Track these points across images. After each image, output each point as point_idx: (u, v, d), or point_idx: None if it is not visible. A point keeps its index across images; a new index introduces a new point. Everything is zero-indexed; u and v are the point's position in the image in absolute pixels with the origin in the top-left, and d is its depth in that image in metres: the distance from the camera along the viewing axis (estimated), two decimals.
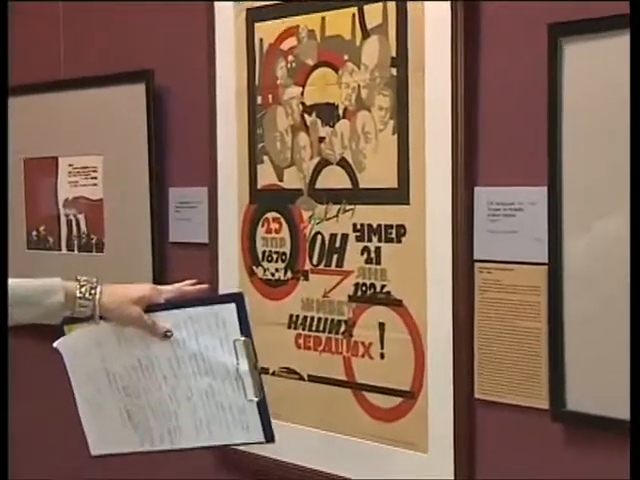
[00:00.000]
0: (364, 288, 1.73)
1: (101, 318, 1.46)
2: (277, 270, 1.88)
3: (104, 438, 1.54)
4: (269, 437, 1.47)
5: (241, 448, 1.83)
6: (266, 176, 1.89)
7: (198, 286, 1.54)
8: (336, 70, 1.74)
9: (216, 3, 1.95)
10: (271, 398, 1.87)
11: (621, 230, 1.35)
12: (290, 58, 1.83)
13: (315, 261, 1.81)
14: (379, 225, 1.70)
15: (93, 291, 1.44)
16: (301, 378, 1.84)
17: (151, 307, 1.47)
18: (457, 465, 1.60)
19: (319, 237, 1.80)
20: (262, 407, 1.46)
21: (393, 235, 1.68)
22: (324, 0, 1.75)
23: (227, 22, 1.93)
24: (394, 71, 1.65)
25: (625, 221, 1.31)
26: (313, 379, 1.83)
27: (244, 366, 1.45)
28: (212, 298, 1.50)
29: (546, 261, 1.48)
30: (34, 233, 2.47)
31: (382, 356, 1.71)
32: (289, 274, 1.86)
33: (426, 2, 1.58)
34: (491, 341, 1.57)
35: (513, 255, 1.54)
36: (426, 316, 1.63)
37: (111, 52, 2.26)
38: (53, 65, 2.38)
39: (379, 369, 1.71)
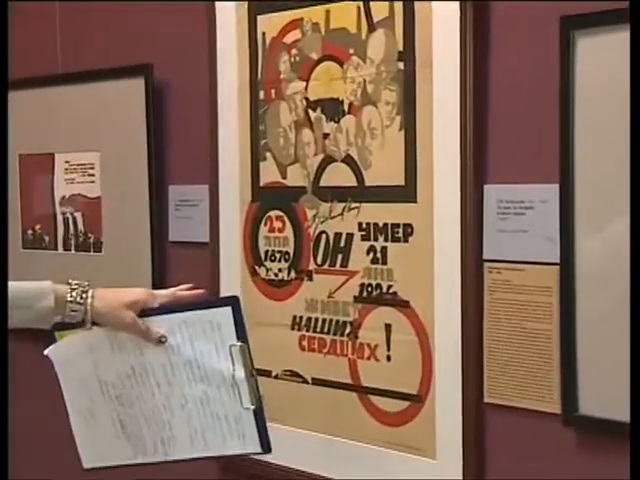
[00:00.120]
0: (370, 289, 1.73)
1: (93, 323, 1.46)
2: (280, 270, 1.88)
3: (96, 450, 1.53)
4: (265, 447, 1.46)
5: None
6: (269, 173, 1.89)
7: (194, 291, 1.53)
8: (341, 64, 1.74)
9: None
10: (274, 402, 1.88)
11: None
12: (293, 52, 1.83)
13: (319, 261, 1.81)
14: (385, 224, 1.70)
15: (84, 295, 1.44)
16: (305, 381, 1.85)
17: (145, 312, 1.47)
18: (465, 471, 1.60)
19: (323, 236, 1.80)
20: (259, 415, 1.45)
21: (400, 234, 1.68)
22: None
23: (229, 15, 1.93)
24: (401, 65, 1.65)
25: None
26: (317, 382, 1.83)
27: (240, 372, 1.44)
28: (207, 302, 1.49)
29: (558, 261, 1.48)
30: (29, 232, 2.47)
31: (388, 358, 1.71)
32: (293, 274, 1.86)
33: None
34: (501, 343, 1.57)
35: (523, 255, 1.54)
36: (434, 317, 1.63)
37: (109, 45, 2.26)
38: (50, 59, 2.38)
39: (385, 372, 1.71)
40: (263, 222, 1.91)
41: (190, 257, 2.09)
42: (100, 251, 2.29)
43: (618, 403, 1.41)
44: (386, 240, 1.70)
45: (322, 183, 1.80)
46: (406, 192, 1.66)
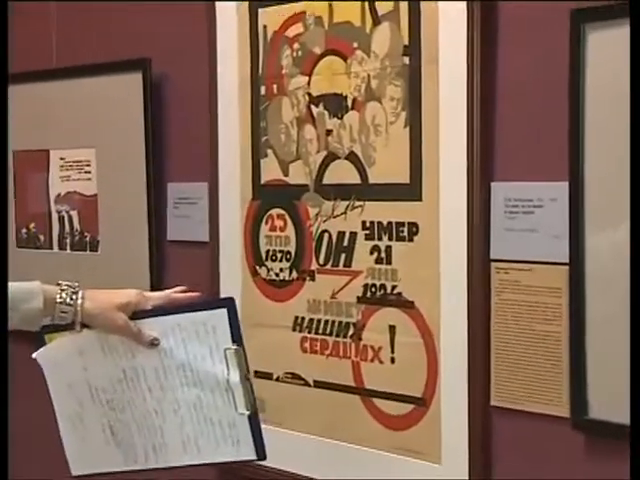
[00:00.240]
0: (374, 289, 1.73)
1: (84, 325, 1.45)
2: (282, 270, 1.88)
3: (86, 456, 1.52)
4: (261, 454, 1.46)
5: None
6: (270, 171, 1.89)
7: (189, 294, 1.53)
8: (345, 59, 1.75)
9: None
10: (275, 405, 1.89)
11: None
12: (296, 46, 1.83)
13: (322, 261, 1.81)
14: (390, 223, 1.71)
15: (74, 296, 1.43)
16: (307, 384, 1.85)
17: (137, 314, 1.46)
18: (472, 476, 1.60)
19: (326, 235, 1.80)
20: (253, 421, 1.44)
21: (405, 233, 1.68)
22: None
23: (229, 8, 1.93)
24: (406, 60, 1.65)
25: None
26: (319, 385, 1.83)
27: (235, 377, 1.43)
28: (201, 304, 1.48)
29: (567, 261, 1.48)
30: (24, 231, 2.47)
31: (393, 361, 1.71)
32: (294, 274, 1.86)
33: None
34: (508, 345, 1.57)
35: (532, 254, 1.54)
36: (439, 319, 1.63)
37: (106, 39, 2.26)
38: (45, 53, 2.38)
39: (389, 374, 1.72)
40: (264, 221, 1.91)
41: (189, 257, 2.09)
42: (96, 250, 2.29)
43: (628, 407, 1.41)
44: (390, 239, 1.71)
45: (325, 181, 1.80)
46: (411, 190, 1.66)
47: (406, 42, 1.65)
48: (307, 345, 1.84)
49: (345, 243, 1.77)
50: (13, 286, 1.43)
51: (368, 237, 1.74)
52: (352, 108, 1.74)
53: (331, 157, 1.79)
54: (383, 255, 1.72)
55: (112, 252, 2.25)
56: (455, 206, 1.59)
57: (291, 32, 1.83)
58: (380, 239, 1.72)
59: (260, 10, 1.89)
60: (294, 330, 1.86)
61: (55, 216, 2.39)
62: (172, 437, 1.47)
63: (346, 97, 1.75)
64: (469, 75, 1.56)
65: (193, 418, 1.46)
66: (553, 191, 1.51)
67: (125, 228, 2.21)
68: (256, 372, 1.90)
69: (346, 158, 1.76)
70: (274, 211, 1.89)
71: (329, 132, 1.78)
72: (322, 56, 1.79)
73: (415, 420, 1.68)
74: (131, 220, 2.18)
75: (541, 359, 1.53)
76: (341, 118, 1.76)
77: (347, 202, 1.76)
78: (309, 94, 1.81)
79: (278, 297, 1.89)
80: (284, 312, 1.87)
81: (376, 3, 1.69)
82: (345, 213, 1.77)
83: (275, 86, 1.87)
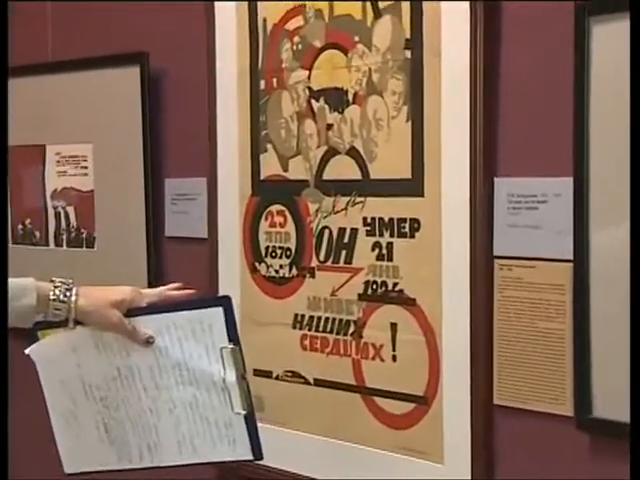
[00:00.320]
0: (375, 286, 1.73)
1: (78, 323, 1.45)
2: (281, 267, 1.88)
3: (79, 455, 1.52)
4: (257, 454, 1.46)
5: None
6: (270, 166, 1.89)
7: (184, 291, 1.53)
8: (345, 52, 1.75)
9: None
10: (274, 404, 1.89)
11: None
12: (296, 39, 1.83)
13: (322, 257, 1.81)
14: (391, 219, 1.71)
15: (68, 293, 1.43)
16: (307, 382, 1.85)
17: (132, 311, 1.46)
18: (474, 476, 1.60)
19: (327, 232, 1.81)
20: (250, 421, 1.45)
21: (406, 229, 1.69)
22: None
23: (228, 2, 1.93)
24: (408, 53, 1.65)
25: None
26: (320, 383, 1.83)
27: (231, 376, 1.43)
28: (197, 302, 1.48)
29: (571, 257, 1.48)
30: (19, 227, 2.48)
31: (394, 359, 1.71)
32: (294, 271, 1.86)
33: None
34: (511, 343, 1.58)
35: (535, 251, 1.54)
36: (441, 316, 1.63)
37: (103, 32, 2.27)
38: (40, 46, 2.38)
39: (391, 373, 1.72)
40: (263, 217, 1.91)
41: (187, 253, 2.10)
42: (93, 247, 2.29)
43: None
44: (392, 236, 1.71)
45: (325, 176, 1.80)
46: (413, 186, 1.66)
47: (408, 35, 1.65)
48: (307, 343, 1.84)
49: (346, 239, 1.77)
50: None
51: (369, 233, 1.74)
52: (353, 102, 1.74)
53: (332, 152, 1.79)
54: (384, 252, 1.72)
55: (109, 249, 2.25)
56: (457, 202, 1.59)
57: (291, 25, 1.83)
58: (381, 235, 1.72)
59: (260, 3, 1.89)
60: (294, 328, 1.86)
61: (51, 212, 2.39)
62: (167, 436, 1.47)
63: (347, 91, 1.75)
64: (472, 68, 1.56)
65: (189, 417, 1.46)
66: (557, 187, 1.51)
67: (122, 224, 2.21)
68: (255, 370, 1.90)
69: (347, 153, 1.76)
70: (274, 207, 1.90)
71: (329, 127, 1.78)
72: (322, 49, 1.79)
73: (417, 419, 1.68)
74: (128, 216, 2.18)
75: (544, 357, 1.54)
76: (342, 112, 1.76)
77: (348, 198, 1.76)
78: (309, 88, 1.81)
79: (278, 294, 1.89)
80: (284, 309, 1.88)
81: None
82: (346, 209, 1.77)
83: (275, 80, 1.87)
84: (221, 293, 1.92)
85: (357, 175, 1.75)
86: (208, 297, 1.50)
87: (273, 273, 1.90)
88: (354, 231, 1.76)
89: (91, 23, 2.30)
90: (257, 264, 1.93)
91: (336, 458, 1.80)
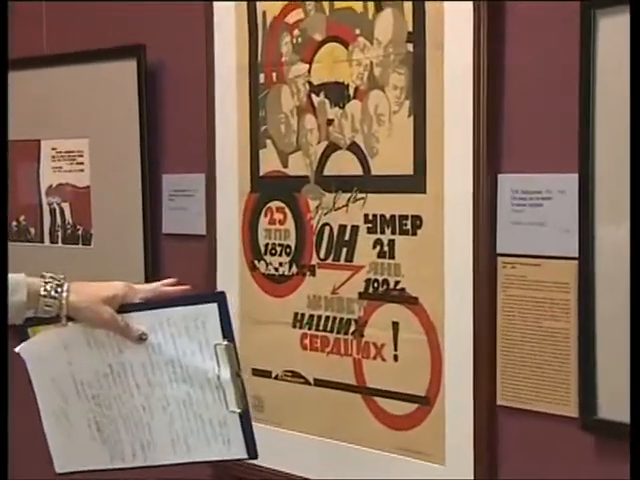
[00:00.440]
0: (376, 284, 1.74)
1: (69, 319, 1.46)
2: (281, 264, 1.89)
3: (70, 453, 1.53)
4: (252, 453, 1.46)
5: None
6: (269, 162, 1.90)
7: (179, 287, 1.53)
8: (346, 46, 1.75)
9: None
10: (274, 404, 1.89)
11: None
12: (296, 32, 1.83)
13: (323, 255, 1.82)
14: (393, 216, 1.71)
15: (59, 289, 1.43)
16: (307, 382, 1.85)
17: (124, 307, 1.46)
18: (477, 478, 1.61)
19: (327, 229, 1.81)
20: (245, 419, 1.45)
21: (408, 227, 1.69)
22: None
23: None
24: (410, 47, 1.65)
25: None
26: (320, 383, 1.83)
27: (226, 373, 1.43)
28: (191, 298, 1.48)
29: (576, 255, 1.49)
30: (14, 223, 2.48)
31: (395, 358, 1.72)
32: (294, 269, 1.86)
33: None
34: (515, 342, 1.58)
35: (540, 249, 1.54)
36: (444, 315, 1.64)
37: (99, 25, 2.27)
38: (35, 39, 2.38)
39: (392, 372, 1.72)
40: (263, 213, 1.92)
41: (185, 251, 2.10)
42: (89, 244, 2.30)
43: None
44: (394, 233, 1.71)
45: (326, 172, 1.81)
46: (415, 182, 1.67)
47: (410, 28, 1.65)
48: (307, 342, 1.85)
49: (347, 237, 1.78)
50: None
51: (370, 230, 1.74)
52: (354, 97, 1.74)
53: (332, 148, 1.79)
54: (386, 249, 1.72)
55: (105, 246, 2.26)
56: (460, 198, 1.60)
57: (291, 18, 1.83)
58: (383, 232, 1.72)
59: None
60: (294, 327, 1.86)
61: (46, 208, 2.39)
62: (161, 435, 1.48)
63: (348, 85, 1.75)
64: (475, 62, 1.56)
65: (182, 415, 1.46)
66: (562, 183, 1.51)
67: (119, 221, 2.22)
68: (254, 370, 1.91)
69: (348, 149, 1.76)
70: (273, 204, 1.90)
71: (330, 122, 1.79)
72: (323, 43, 1.79)
73: (419, 420, 1.69)
74: (125, 213, 2.18)
75: (549, 357, 1.54)
76: (343, 107, 1.76)
77: (349, 194, 1.77)
78: (309, 82, 1.82)
79: (277, 292, 1.90)
80: (283, 308, 1.88)
81: None
82: (347, 206, 1.77)
83: (274, 74, 1.87)
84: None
85: (358, 171, 1.75)
86: (202, 293, 1.51)
87: (273, 271, 1.90)
88: (355, 228, 1.76)
89: (87, 15, 2.30)
90: (256, 262, 1.93)
91: (336, 459, 1.80)
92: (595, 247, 1.46)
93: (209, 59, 1.98)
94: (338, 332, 1.80)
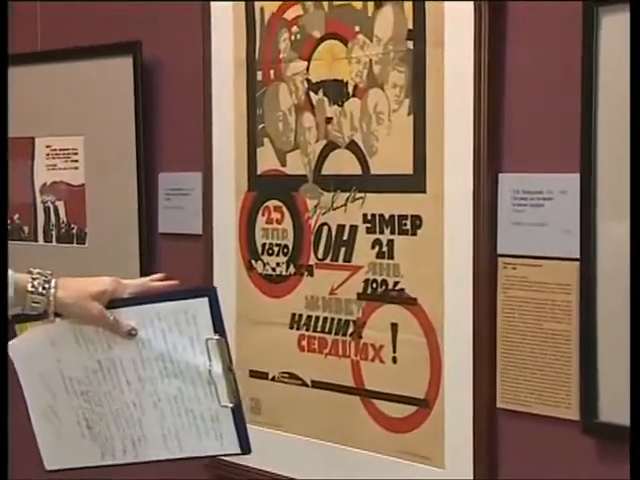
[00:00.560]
0: (375, 285, 1.74)
1: (57, 315, 1.45)
2: (278, 265, 1.89)
3: (60, 450, 1.52)
4: (245, 448, 1.46)
5: (237, 461, 1.85)
6: (267, 161, 1.90)
7: (168, 282, 1.53)
8: (345, 43, 1.75)
9: None
10: (271, 406, 1.90)
11: None
12: (294, 29, 1.83)
13: (321, 255, 1.82)
14: (392, 215, 1.71)
15: (47, 285, 1.43)
16: (304, 384, 1.86)
17: (113, 303, 1.46)
18: None
19: (325, 228, 1.81)
20: (237, 414, 1.45)
21: (408, 227, 1.69)
22: None
23: None
24: (410, 45, 1.65)
25: None
26: (317, 385, 1.84)
27: (218, 368, 1.43)
28: (181, 292, 1.48)
29: (577, 256, 1.49)
30: (7, 222, 2.48)
31: (394, 360, 1.72)
32: (292, 269, 1.87)
33: None
34: (515, 344, 1.58)
35: (541, 249, 1.54)
36: (443, 316, 1.64)
37: (94, 20, 2.26)
38: (29, 34, 2.38)
39: (391, 374, 1.72)
40: (260, 213, 1.92)
41: (181, 250, 2.10)
42: (84, 243, 2.30)
43: None
44: (393, 233, 1.71)
45: (324, 171, 1.81)
46: (414, 181, 1.67)
47: (410, 26, 1.65)
48: (305, 343, 1.85)
49: (345, 237, 1.78)
50: None
51: (369, 230, 1.74)
52: (353, 95, 1.74)
53: (331, 146, 1.79)
54: (385, 249, 1.72)
55: (100, 245, 2.26)
56: (460, 198, 1.60)
57: (289, 14, 1.84)
58: (382, 232, 1.73)
59: None
60: (291, 328, 1.87)
61: (40, 207, 2.39)
62: (152, 430, 1.48)
63: (347, 83, 1.75)
64: (476, 60, 1.56)
65: (174, 411, 1.46)
66: (563, 183, 1.51)
67: (114, 220, 2.22)
68: (251, 371, 1.91)
69: (346, 147, 1.77)
70: (271, 203, 1.90)
71: (329, 120, 1.79)
72: (322, 40, 1.79)
73: (418, 422, 1.69)
74: (120, 211, 2.18)
75: (550, 359, 1.54)
76: (341, 105, 1.76)
77: (347, 194, 1.77)
78: (308, 80, 1.82)
79: (275, 293, 1.90)
80: (281, 309, 1.88)
81: None
82: (345, 205, 1.78)
83: (272, 71, 1.88)
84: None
85: (357, 170, 1.75)
86: (192, 287, 1.51)
87: (270, 271, 1.91)
88: (354, 228, 1.76)
89: (81, 10, 2.29)
90: (253, 262, 1.93)
91: (334, 462, 1.80)
92: (597, 248, 1.47)
93: (206, 56, 1.98)
94: (336, 333, 1.80)
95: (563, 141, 1.51)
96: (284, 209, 1.88)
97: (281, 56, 1.85)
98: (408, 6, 1.65)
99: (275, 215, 1.89)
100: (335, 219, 1.79)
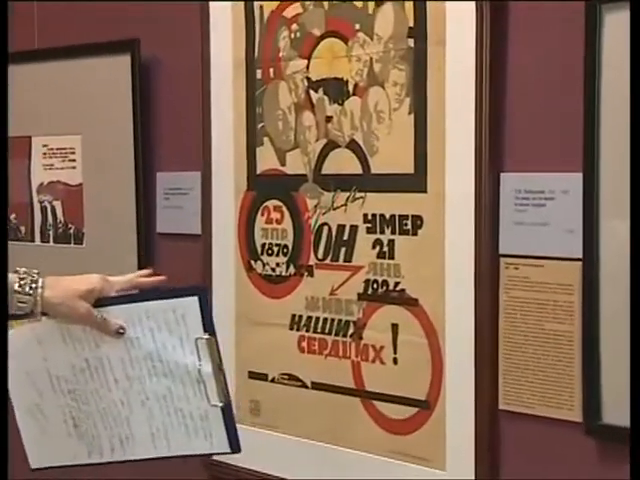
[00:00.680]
0: (375, 285, 1.74)
1: (44, 314, 1.45)
2: (278, 265, 1.89)
3: (46, 449, 1.53)
4: (234, 447, 1.46)
5: (234, 463, 1.85)
6: (266, 160, 1.90)
7: (155, 278, 1.53)
8: (346, 41, 1.75)
9: None
10: (270, 407, 1.90)
11: None
12: (294, 27, 1.83)
13: (321, 255, 1.82)
14: (393, 215, 1.71)
15: (34, 285, 1.43)
16: (304, 385, 1.86)
17: (101, 301, 1.46)
18: None
19: (325, 228, 1.81)
20: (227, 413, 1.45)
21: (408, 226, 1.69)
22: None
23: None
24: (411, 43, 1.66)
25: None
26: (317, 386, 1.84)
27: (207, 367, 1.44)
28: (171, 291, 1.48)
29: (580, 256, 1.49)
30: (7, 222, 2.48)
31: (395, 361, 1.72)
32: (291, 269, 1.87)
33: None
34: (517, 345, 1.58)
35: (543, 249, 1.55)
36: (444, 317, 1.64)
37: (91, 18, 2.27)
38: (25, 32, 2.39)
39: (391, 376, 1.73)
40: (260, 213, 1.92)
41: (180, 250, 2.10)
42: (81, 243, 2.30)
43: None
44: (393, 233, 1.72)
45: (324, 171, 1.81)
46: (415, 181, 1.67)
47: (411, 24, 1.66)
48: (305, 344, 1.85)
49: (345, 237, 1.78)
50: None
51: (370, 230, 1.75)
52: (353, 93, 1.75)
53: (331, 145, 1.79)
54: (385, 249, 1.73)
55: (98, 245, 2.26)
56: (462, 198, 1.60)
57: (289, 12, 1.84)
58: (382, 232, 1.73)
59: None
60: (291, 329, 1.87)
61: (37, 206, 2.39)
62: (140, 429, 1.48)
63: (347, 82, 1.75)
64: (478, 58, 1.57)
65: (163, 410, 1.47)
66: (566, 182, 1.51)
67: (112, 220, 2.22)
68: (251, 373, 1.92)
69: (347, 147, 1.77)
70: (270, 202, 1.90)
71: (329, 119, 1.79)
72: (322, 38, 1.79)
73: (418, 424, 1.69)
74: (118, 211, 2.19)
75: (552, 360, 1.54)
76: (342, 104, 1.77)
77: (348, 193, 1.77)
78: (308, 78, 1.82)
79: (274, 293, 1.90)
80: (281, 309, 1.88)
81: None
82: (345, 205, 1.78)
83: (272, 70, 1.88)
84: (215, 292, 1.93)
85: (357, 170, 1.75)
86: (182, 286, 1.52)
87: (269, 271, 1.91)
88: (354, 228, 1.77)
89: (79, 8, 2.30)
90: (253, 262, 1.94)
91: (335, 464, 1.81)
92: (599, 248, 1.47)
93: (205, 54, 1.98)
94: (336, 334, 1.80)
95: (565, 140, 1.52)
96: (284, 209, 1.88)
97: (281, 54, 1.86)
98: (409, 4, 1.66)
99: (275, 215, 1.90)
100: (335, 219, 1.80)
